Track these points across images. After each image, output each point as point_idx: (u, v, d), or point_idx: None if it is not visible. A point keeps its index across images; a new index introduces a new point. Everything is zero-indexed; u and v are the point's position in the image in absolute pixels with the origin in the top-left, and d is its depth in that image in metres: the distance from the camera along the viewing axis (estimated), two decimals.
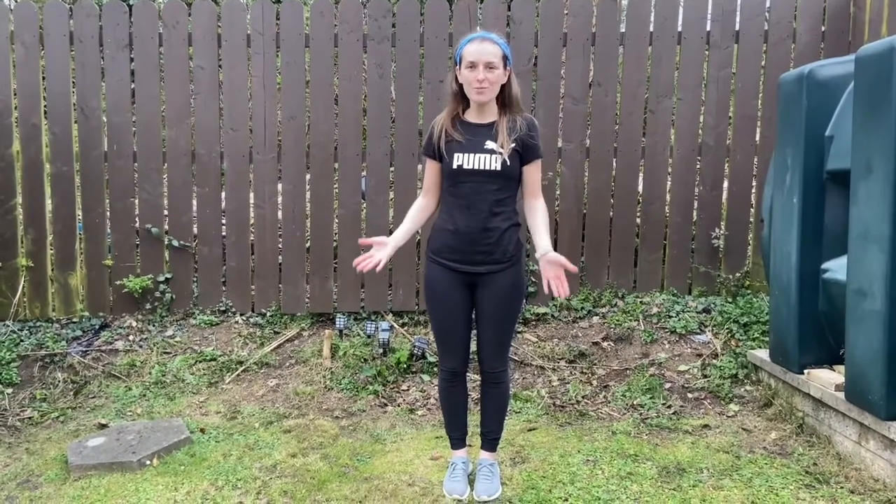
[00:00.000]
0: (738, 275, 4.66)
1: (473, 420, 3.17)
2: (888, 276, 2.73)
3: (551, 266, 2.66)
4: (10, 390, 4.04)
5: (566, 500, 2.82)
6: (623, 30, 4.62)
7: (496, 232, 2.72)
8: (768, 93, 4.55)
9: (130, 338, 4.49)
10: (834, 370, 3.37)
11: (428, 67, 4.59)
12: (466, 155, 2.70)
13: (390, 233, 4.62)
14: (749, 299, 4.54)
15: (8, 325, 4.49)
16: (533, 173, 2.79)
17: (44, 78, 4.50)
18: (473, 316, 2.87)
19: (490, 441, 2.98)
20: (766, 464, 3.12)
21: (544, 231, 2.75)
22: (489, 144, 2.70)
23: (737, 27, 4.59)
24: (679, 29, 4.59)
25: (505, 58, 2.70)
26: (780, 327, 3.59)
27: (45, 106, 4.51)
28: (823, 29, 4.59)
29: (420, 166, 4.37)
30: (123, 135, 4.54)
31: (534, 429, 3.58)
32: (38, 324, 4.56)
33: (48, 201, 4.57)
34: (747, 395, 3.90)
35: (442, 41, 4.54)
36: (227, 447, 3.39)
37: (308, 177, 4.65)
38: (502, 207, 2.74)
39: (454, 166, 2.71)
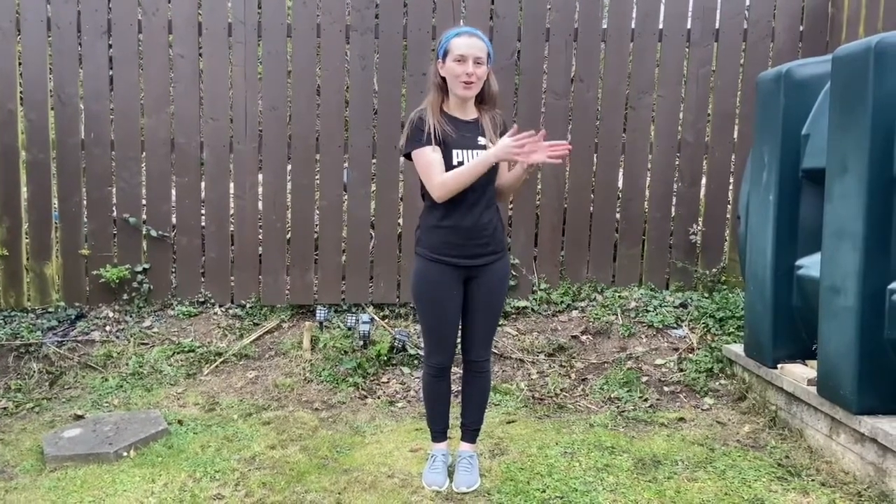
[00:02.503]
0: (714, 270, 4.73)
1: (453, 412, 3.17)
2: (861, 274, 2.79)
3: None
4: None
5: (544, 491, 2.86)
6: (605, 26, 4.65)
7: (491, 225, 2.77)
8: (747, 91, 4.61)
9: (107, 328, 4.44)
10: (806, 365, 3.44)
11: (411, 59, 4.58)
12: (464, 151, 2.70)
13: (372, 226, 4.66)
14: (725, 295, 4.60)
15: None
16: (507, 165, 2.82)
17: (20, 63, 4.42)
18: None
19: (471, 432, 3.00)
20: (739, 456, 3.17)
21: None
22: (482, 141, 2.73)
23: (717, 25, 4.64)
24: (660, 26, 4.63)
25: (488, 55, 2.72)
26: (755, 322, 3.65)
27: (20, 92, 4.43)
28: (802, 28, 4.65)
29: (402, 159, 4.37)
30: (101, 123, 4.48)
31: (513, 421, 3.61)
32: (12, 313, 4.49)
33: (23, 189, 4.50)
34: (722, 388, 3.96)
35: (425, 34, 4.53)
36: (206, 439, 3.38)
37: (289, 168, 4.63)
38: (491, 201, 2.80)
39: (455, 162, 2.69)
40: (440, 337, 2.85)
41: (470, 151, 2.70)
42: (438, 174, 2.66)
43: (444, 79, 2.74)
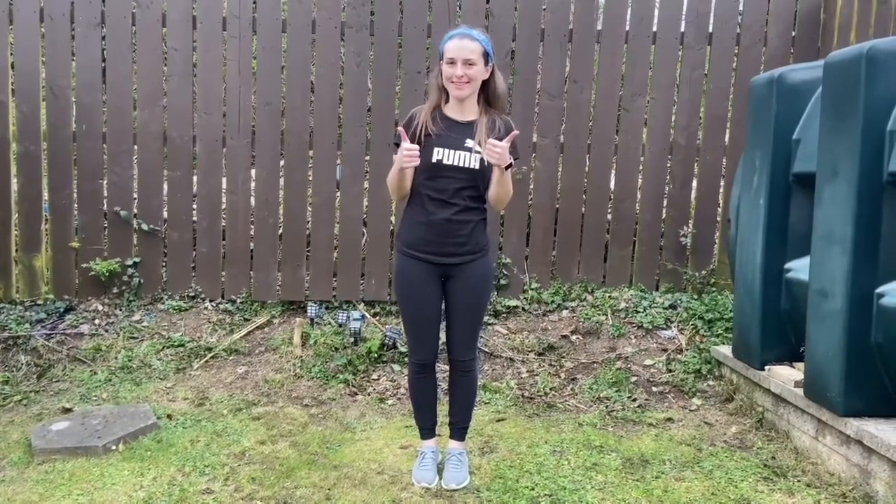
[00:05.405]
0: (704, 272, 4.76)
1: (442, 410, 3.19)
2: (849, 277, 2.81)
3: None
4: None
5: (533, 489, 2.87)
6: (600, 27, 4.67)
7: (469, 225, 2.78)
8: (739, 95, 4.64)
9: (96, 322, 4.42)
10: (794, 367, 3.47)
11: (406, 58, 4.58)
12: (446, 150, 2.73)
13: (364, 224, 4.66)
14: (714, 296, 4.64)
15: None
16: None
17: (11, 54, 4.39)
18: (443, 307, 2.90)
19: (459, 430, 3.01)
20: (726, 457, 3.20)
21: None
22: (469, 143, 2.75)
23: (710, 29, 4.67)
24: (654, 29, 4.65)
25: (486, 54, 2.73)
26: (744, 324, 3.68)
27: (12, 83, 4.40)
28: (794, 34, 4.69)
29: (395, 156, 4.36)
30: (93, 115, 4.46)
31: (502, 419, 3.62)
32: (1, 306, 4.46)
33: (14, 181, 4.47)
34: (710, 389, 3.99)
35: (420, 32, 4.54)
36: (195, 433, 3.37)
37: (282, 164, 4.62)
38: (476, 203, 2.81)
39: (433, 160, 2.73)
40: (420, 333, 2.88)
41: (453, 151, 2.73)
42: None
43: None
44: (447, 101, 2.81)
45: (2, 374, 3.99)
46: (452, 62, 2.69)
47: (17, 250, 4.52)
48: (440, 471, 2.95)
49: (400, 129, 2.72)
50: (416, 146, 2.66)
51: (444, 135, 2.75)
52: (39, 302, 4.51)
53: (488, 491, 2.85)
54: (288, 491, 2.84)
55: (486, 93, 2.81)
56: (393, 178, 2.78)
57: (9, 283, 4.50)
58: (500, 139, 2.74)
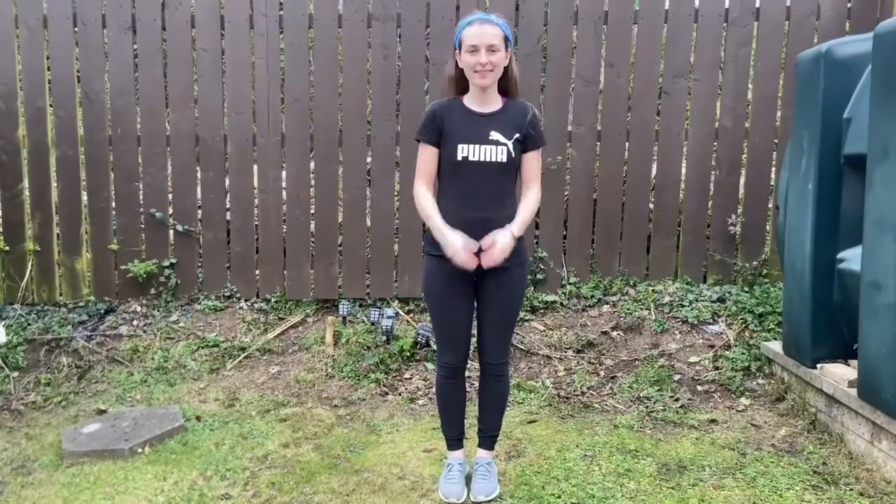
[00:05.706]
0: (755, 263, 4.49)
1: (472, 411, 3.05)
2: None
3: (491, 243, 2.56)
4: (16, 374, 4.06)
5: (559, 496, 2.73)
6: (637, 7, 4.44)
7: (498, 223, 2.63)
8: (790, 73, 4.34)
9: (135, 323, 4.48)
10: (849, 365, 3.22)
11: (434, 48, 4.46)
12: (471, 146, 2.61)
13: (396, 219, 4.57)
14: (766, 288, 4.37)
15: (16, 309, 4.51)
16: (532, 161, 2.72)
17: (48, 58, 4.47)
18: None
19: (488, 438, 2.87)
20: (772, 462, 2.98)
21: (520, 214, 2.65)
22: (494, 135, 2.62)
23: (757, 4, 4.38)
24: (696, 5, 4.40)
25: (506, 39, 2.60)
26: (793, 319, 3.44)
27: (49, 89, 4.48)
28: (849, 5, 4.36)
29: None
30: (127, 118, 4.49)
31: (534, 421, 3.48)
32: (45, 308, 4.56)
33: (54, 185, 4.56)
34: (759, 388, 3.76)
35: (448, 21, 4.40)
36: (221, 436, 3.36)
37: (311, 160, 4.57)
38: (505, 198, 2.67)
39: (459, 158, 2.61)
40: (449, 336, 2.74)
41: (478, 146, 2.61)
42: (422, 177, 2.69)
43: (461, 70, 2.65)
44: (465, 92, 2.69)
45: (44, 376, 4.08)
46: (475, 49, 2.55)
47: (59, 253, 4.61)
48: (467, 481, 2.81)
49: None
50: (476, 245, 2.55)
51: (468, 130, 2.61)
52: (81, 304, 4.59)
53: (511, 498, 2.73)
54: (306, 496, 2.78)
55: (505, 81, 2.67)
56: (424, 217, 2.68)
57: (52, 286, 4.60)
58: (525, 126, 2.64)
